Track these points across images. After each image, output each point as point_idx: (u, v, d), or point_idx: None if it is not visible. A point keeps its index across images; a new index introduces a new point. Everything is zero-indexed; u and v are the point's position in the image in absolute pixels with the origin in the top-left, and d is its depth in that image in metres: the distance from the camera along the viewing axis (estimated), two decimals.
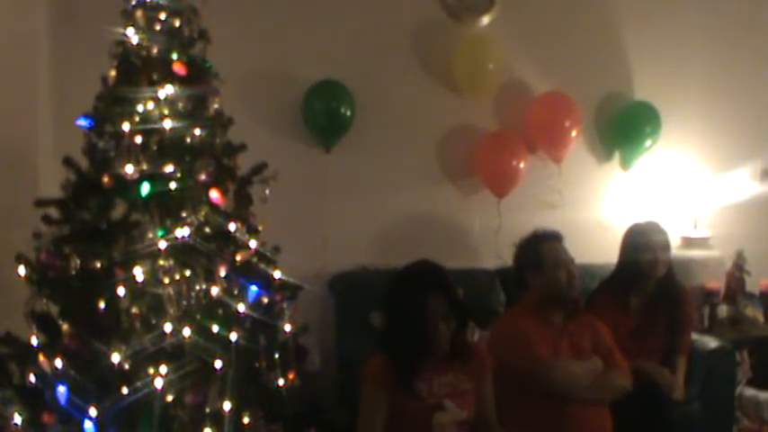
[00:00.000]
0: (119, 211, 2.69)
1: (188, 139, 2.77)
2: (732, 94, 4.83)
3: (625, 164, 4.73)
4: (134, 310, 2.58)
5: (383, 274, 3.91)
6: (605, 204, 4.72)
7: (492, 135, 4.48)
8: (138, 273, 2.56)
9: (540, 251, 3.20)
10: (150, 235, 2.61)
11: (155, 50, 2.77)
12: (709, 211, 4.79)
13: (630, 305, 3.68)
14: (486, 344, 3.37)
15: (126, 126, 2.66)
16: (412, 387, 2.64)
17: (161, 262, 2.61)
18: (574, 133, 4.45)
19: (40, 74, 3.70)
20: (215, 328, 2.61)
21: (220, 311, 2.68)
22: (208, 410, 2.56)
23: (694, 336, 3.85)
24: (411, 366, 2.65)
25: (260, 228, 2.97)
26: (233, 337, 2.62)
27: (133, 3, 2.79)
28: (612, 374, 3.12)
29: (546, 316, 3.17)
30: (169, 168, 2.68)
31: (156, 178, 2.65)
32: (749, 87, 4.88)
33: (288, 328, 2.86)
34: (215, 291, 2.66)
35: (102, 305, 2.57)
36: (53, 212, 2.73)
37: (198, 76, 2.84)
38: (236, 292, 2.74)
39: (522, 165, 4.39)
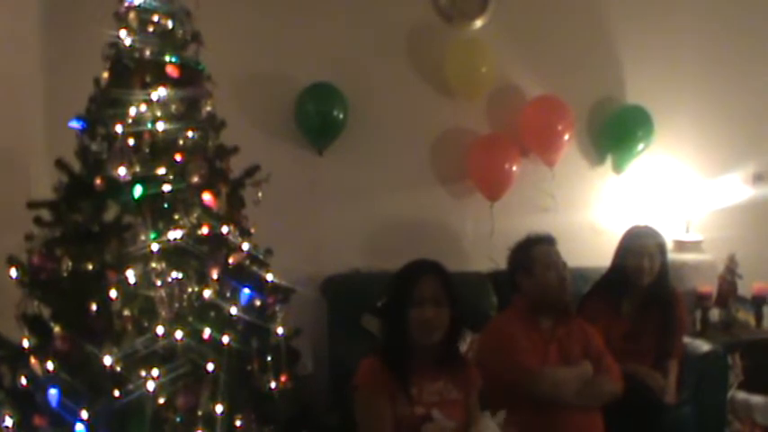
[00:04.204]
0: (111, 213, 2.68)
1: (180, 142, 2.76)
2: (724, 98, 4.84)
3: (617, 167, 4.74)
4: (126, 312, 2.57)
5: (376, 277, 3.92)
6: (598, 208, 4.73)
7: (484, 138, 4.49)
8: (131, 275, 2.56)
9: (532, 253, 3.21)
10: (142, 237, 2.61)
11: (147, 52, 2.76)
12: (702, 215, 4.80)
13: (622, 308, 3.68)
14: (476, 350, 3.38)
15: (118, 128, 2.66)
16: (408, 390, 2.62)
17: (153, 264, 2.60)
18: (566, 137, 4.46)
19: (33, 76, 3.70)
20: (207, 331, 2.61)
21: (213, 314, 2.67)
22: (200, 413, 2.55)
23: (686, 339, 3.86)
24: (406, 364, 2.63)
25: (252, 230, 2.97)
26: (225, 339, 2.62)
27: (126, 5, 2.79)
28: (602, 380, 3.11)
29: (536, 321, 3.17)
30: (161, 171, 2.67)
31: (149, 180, 2.64)
32: (741, 91, 4.89)
33: (280, 330, 2.85)
34: (207, 293, 2.65)
35: (94, 307, 2.56)
36: (45, 214, 2.72)
37: (191, 78, 2.84)
38: (228, 294, 2.73)
39: (514, 168, 4.40)
